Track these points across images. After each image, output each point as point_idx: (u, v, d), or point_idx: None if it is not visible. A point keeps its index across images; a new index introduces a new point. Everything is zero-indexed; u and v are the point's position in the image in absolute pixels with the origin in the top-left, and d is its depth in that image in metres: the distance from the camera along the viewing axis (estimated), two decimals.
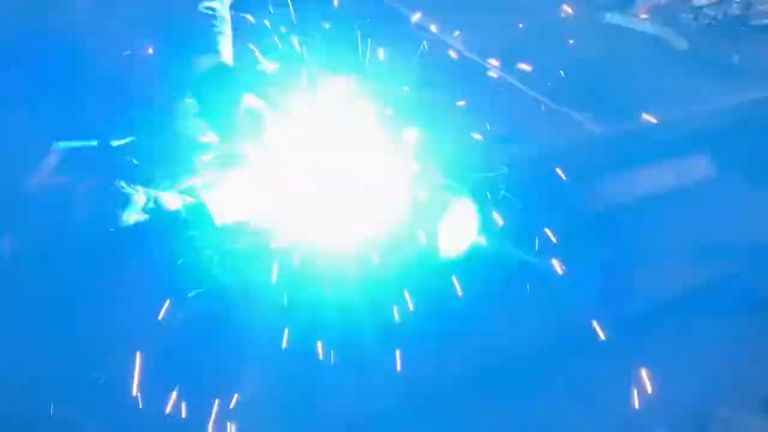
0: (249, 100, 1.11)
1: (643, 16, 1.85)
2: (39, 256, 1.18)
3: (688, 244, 2.17)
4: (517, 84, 1.50)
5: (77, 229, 1.14)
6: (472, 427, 1.46)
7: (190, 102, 1.16)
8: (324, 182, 1.14)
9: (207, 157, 1.12)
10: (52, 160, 1.11)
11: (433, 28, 1.68)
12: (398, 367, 1.30)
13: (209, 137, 1.13)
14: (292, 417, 1.31)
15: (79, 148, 1.14)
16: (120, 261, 1.21)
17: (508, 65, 1.56)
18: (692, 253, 2.12)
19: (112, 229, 1.10)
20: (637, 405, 1.86)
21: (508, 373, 1.62)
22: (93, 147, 1.15)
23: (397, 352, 1.30)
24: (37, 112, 1.12)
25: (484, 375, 1.64)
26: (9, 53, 1.11)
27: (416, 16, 1.64)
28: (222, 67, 1.16)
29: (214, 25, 1.17)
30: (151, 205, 1.11)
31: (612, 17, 1.83)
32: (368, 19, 1.26)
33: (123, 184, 1.09)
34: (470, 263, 1.29)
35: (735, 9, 1.76)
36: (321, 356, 1.23)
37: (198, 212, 1.13)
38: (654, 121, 1.40)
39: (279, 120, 1.12)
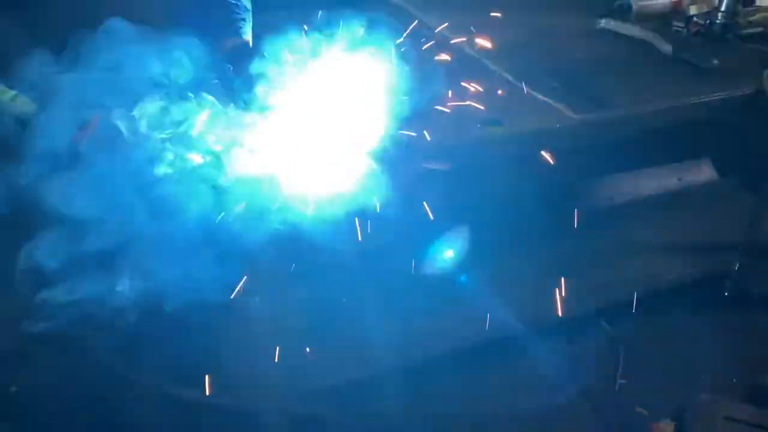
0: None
1: (638, 23, 2.02)
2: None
3: (664, 235, 2.30)
4: (504, 74, 1.69)
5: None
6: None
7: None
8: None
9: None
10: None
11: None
12: None
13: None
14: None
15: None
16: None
17: (500, 59, 1.76)
18: (672, 245, 2.26)
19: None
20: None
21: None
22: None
23: None
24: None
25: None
26: None
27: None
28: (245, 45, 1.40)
29: (238, 13, 1.41)
30: (176, 161, 1.33)
31: (607, 23, 2.00)
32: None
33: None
34: None
35: (721, 18, 1.91)
36: None
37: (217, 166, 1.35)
38: (627, 112, 1.58)
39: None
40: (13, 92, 1.18)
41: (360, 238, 1.45)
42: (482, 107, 1.51)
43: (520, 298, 1.95)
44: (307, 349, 1.40)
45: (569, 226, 2.32)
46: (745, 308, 2.37)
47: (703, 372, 2.13)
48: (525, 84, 1.64)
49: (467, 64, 1.74)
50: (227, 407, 1.34)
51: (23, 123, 1.23)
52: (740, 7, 2.05)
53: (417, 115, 1.38)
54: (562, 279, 1.74)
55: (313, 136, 1.32)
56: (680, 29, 2.00)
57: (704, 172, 2.61)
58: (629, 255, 2.26)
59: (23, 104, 1.18)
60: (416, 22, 1.85)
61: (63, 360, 1.40)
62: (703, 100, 1.64)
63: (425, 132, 1.38)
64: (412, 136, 1.35)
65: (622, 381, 2.11)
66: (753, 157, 1.96)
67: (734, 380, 2.10)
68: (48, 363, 1.39)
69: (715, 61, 1.74)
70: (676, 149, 2.62)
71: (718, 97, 1.64)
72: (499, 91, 1.50)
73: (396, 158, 1.30)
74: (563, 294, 1.76)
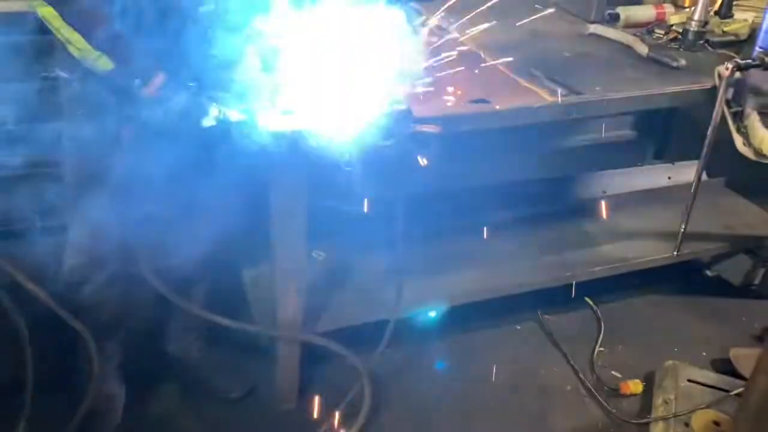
0: None
1: (624, 30, 2.29)
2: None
3: (649, 224, 2.55)
4: (497, 64, 1.98)
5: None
6: None
7: None
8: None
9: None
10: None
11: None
12: None
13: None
14: None
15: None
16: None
17: (495, 53, 2.06)
18: (656, 233, 2.50)
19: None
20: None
21: None
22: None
23: None
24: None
25: None
26: None
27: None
28: None
29: None
30: (221, 116, 1.64)
31: (595, 28, 2.28)
32: None
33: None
34: None
35: (696, 27, 2.17)
36: None
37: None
38: (598, 96, 1.85)
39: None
40: (97, 53, 1.50)
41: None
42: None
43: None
44: None
45: (563, 208, 2.60)
46: (718, 292, 2.61)
47: (675, 344, 2.37)
48: (511, 72, 1.93)
49: (467, 56, 2.05)
50: None
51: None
52: (718, 18, 2.32)
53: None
54: None
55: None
56: (660, 36, 2.27)
57: (693, 173, 2.85)
58: (614, 239, 2.52)
59: (105, 63, 1.51)
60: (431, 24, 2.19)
61: None
62: (666, 91, 1.90)
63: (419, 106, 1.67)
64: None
65: (601, 349, 2.37)
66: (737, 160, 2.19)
67: (703, 353, 2.34)
68: None
69: (683, 62, 2.00)
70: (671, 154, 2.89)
71: (678, 89, 1.90)
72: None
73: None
74: None
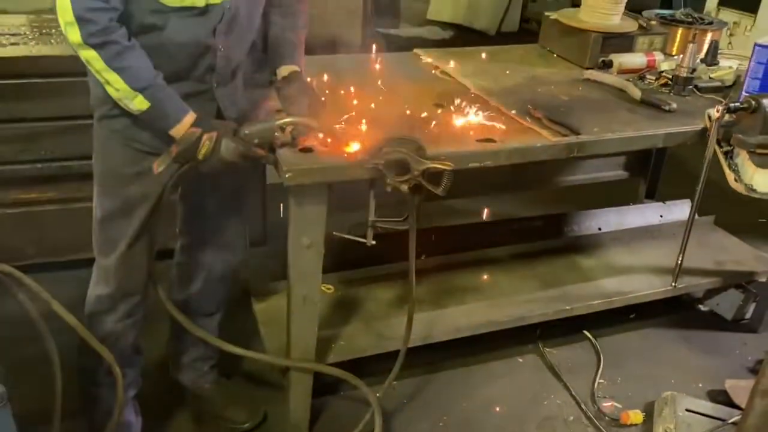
0: None
1: (617, 75, 2.43)
2: None
3: (643, 260, 2.65)
4: (500, 106, 2.10)
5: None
6: None
7: None
8: None
9: None
10: None
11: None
12: None
13: None
14: None
15: None
16: None
17: (498, 97, 2.18)
18: (650, 268, 2.60)
19: None
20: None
21: None
22: None
23: None
24: None
25: None
26: None
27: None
28: None
29: None
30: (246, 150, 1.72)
31: (590, 74, 2.43)
32: None
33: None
34: None
35: (684, 73, 2.31)
36: None
37: None
38: (596, 137, 1.97)
39: None
40: (134, 93, 1.57)
41: None
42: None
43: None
44: None
45: (561, 244, 2.70)
46: (711, 326, 2.70)
47: (672, 376, 2.45)
48: (515, 114, 2.05)
49: (472, 99, 2.17)
50: None
51: None
52: (704, 66, 2.47)
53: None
54: None
55: None
56: (652, 81, 2.41)
57: (684, 212, 2.99)
58: (610, 274, 2.62)
59: (141, 103, 1.56)
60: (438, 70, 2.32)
61: None
62: (660, 132, 2.03)
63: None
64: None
65: (601, 380, 2.44)
66: (726, 199, 2.31)
67: (699, 384, 2.41)
68: None
69: (674, 105, 2.13)
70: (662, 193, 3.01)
71: (672, 130, 2.03)
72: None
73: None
74: None
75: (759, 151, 1.86)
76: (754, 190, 1.87)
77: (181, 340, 2.10)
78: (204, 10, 1.55)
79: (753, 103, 1.88)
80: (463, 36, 6.54)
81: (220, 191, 1.90)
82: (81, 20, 1.42)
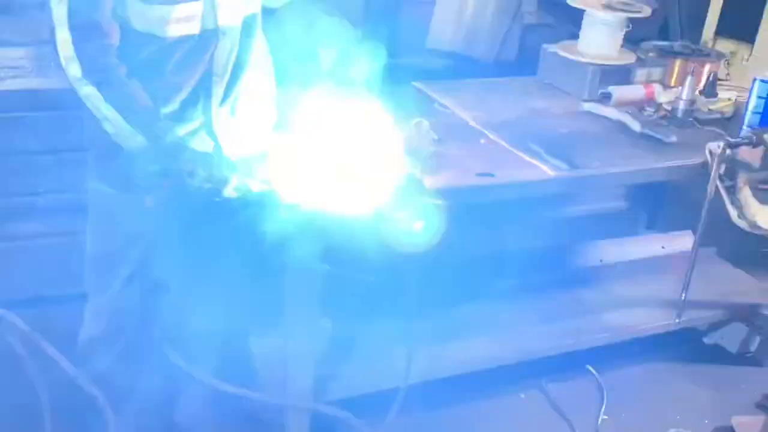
0: None
1: (616, 108, 2.42)
2: None
3: (646, 292, 2.62)
4: (500, 141, 2.09)
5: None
6: None
7: None
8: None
9: None
10: None
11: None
12: None
13: None
14: None
15: None
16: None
17: (498, 130, 2.17)
18: (653, 301, 2.57)
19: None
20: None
21: None
22: None
23: None
24: None
25: None
26: None
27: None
28: None
29: None
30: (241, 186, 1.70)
31: (589, 106, 2.42)
32: None
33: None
34: None
35: (684, 105, 2.31)
36: None
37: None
38: (597, 171, 1.96)
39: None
40: (132, 131, 1.56)
41: None
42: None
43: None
44: None
45: (562, 277, 2.67)
46: (716, 360, 2.66)
47: (677, 412, 2.40)
48: (514, 148, 2.04)
49: (471, 132, 2.17)
50: None
51: None
52: (703, 98, 2.47)
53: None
54: None
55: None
56: (651, 113, 2.40)
57: (686, 243, 2.96)
58: (613, 307, 2.58)
59: (139, 141, 1.54)
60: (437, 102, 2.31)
61: None
62: (661, 166, 2.01)
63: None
64: None
65: (605, 417, 2.39)
66: (727, 230, 2.29)
67: (705, 421, 2.36)
68: None
69: (674, 138, 2.12)
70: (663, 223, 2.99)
71: (673, 164, 2.02)
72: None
73: None
74: None
75: (762, 186, 1.84)
76: (758, 227, 1.84)
77: (176, 378, 2.05)
78: (200, 36, 1.55)
79: (755, 138, 1.86)
80: (461, 64, 6.56)
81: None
82: (82, 55, 1.41)
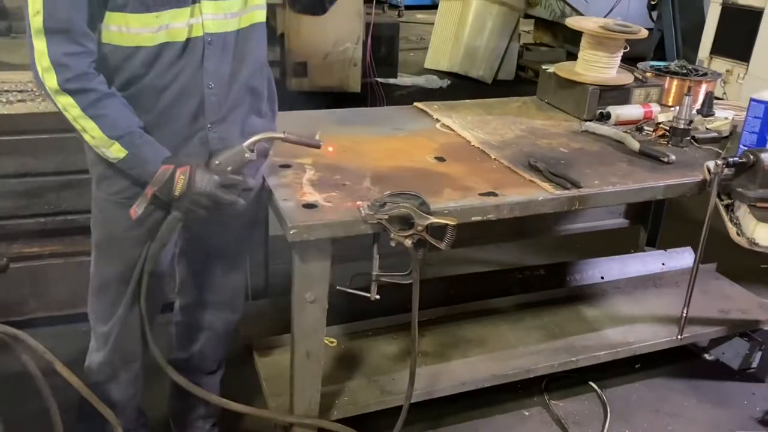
0: None
1: (615, 127, 2.46)
2: None
3: (646, 309, 2.64)
4: (501, 160, 2.13)
5: None
6: None
7: None
8: None
9: None
10: None
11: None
12: None
13: None
14: None
15: None
16: None
17: (498, 150, 2.21)
18: (653, 317, 2.59)
19: None
20: None
21: None
22: None
23: None
24: None
25: None
26: None
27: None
28: None
29: None
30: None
31: (588, 126, 2.46)
32: None
33: None
34: None
35: (681, 124, 2.35)
36: None
37: None
38: (598, 189, 1.99)
39: None
40: (111, 141, 1.48)
41: None
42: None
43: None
44: None
45: (563, 294, 2.70)
46: (718, 375, 2.67)
47: (680, 428, 2.41)
48: (516, 167, 2.07)
49: (473, 152, 2.20)
50: None
51: None
52: (701, 117, 2.51)
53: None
54: None
55: None
56: (650, 132, 2.44)
57: (686, 259, 2.99)
58: (614, 324, 2.60)
59: (118, 151, 1.50)
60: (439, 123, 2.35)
61: None
62: (660, 184, 2.05)
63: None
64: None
65: None
66: (727, 246, 2.32)
67: None
68: None
69: (673, 157, 2.15)
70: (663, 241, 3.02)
71: (672, 182, 2.05)
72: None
73: None
74: None
75: (760, 204, 1.87)
76: (757, 244, 1.87)
77: (182, 399, 2.07)
78: (185, 45, 1.51)
79: (752, 157, 1.90)
80: (460, 84, 6.66)
81: (219, 250, 1.89)
82: (58, 66, 1.38)
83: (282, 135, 1.69)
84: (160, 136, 1.56)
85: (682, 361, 2.75)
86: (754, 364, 2.69)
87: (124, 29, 1.46)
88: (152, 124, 1.55)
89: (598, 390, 2.59)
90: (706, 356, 2.79)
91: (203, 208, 1.56)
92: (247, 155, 1.61)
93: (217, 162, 1.58)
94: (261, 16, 1.65)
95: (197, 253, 1.90)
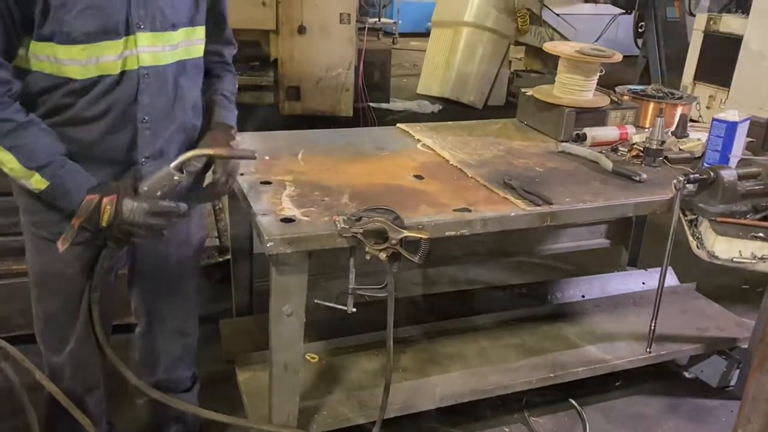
0: None
1: (591, 148, 2.53)
2: None
3: (626, 327, 2.68)
4: (477, 178, 2.19)
5: None
6: None
7: None
8: None
9: None
10: None
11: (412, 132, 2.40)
12: None
13: None
14: None
15: None
16: None
17: (474, 168, 2.28)
18: (632, 335, 2.63)
19: None
20: None
21: None
22: None
23: None
24: None
25: None
26: None
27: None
28: None
29: None
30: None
31: (564, 147, 2.53)
32: None
33: None
34: None
35: (654, 145, 2.42)
36: None
37: None
38: (568, 206, 2.04)
39: None
40: (30, 172, 1.42)
41: None
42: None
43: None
44: None
45: (544, 311, 2.74)
46: (697, 393, 2.70)
47: None
48: (491, 185, 2.13)
49: (450, 171, 2.26)
50: None
51: None
52: (674, 138, 2.58)
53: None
54: None
55: None
56: (624, 153, 2.51)
57: (666, 279, 3.03)
58: (594, 341, 2.64)
59: (39, 182, 1.44)
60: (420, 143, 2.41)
61: None
62: (630, 201, 2.10)
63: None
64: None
65: None
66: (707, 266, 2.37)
67: None
68: None
69: (645, 176, 2.21)
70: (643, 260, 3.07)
71: (641, 200, 2.11)
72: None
73: None
74: None
75: (720, 219, 1.93)
76: (716, 257, 1.93)
77: (161, 416, 2.09)
78: (118, 79, 1.45)
79: (712, 174, 1.96)
80: (451, 109, 6.77)
81: (160, 277, 1.86)
82: None
83: (211, 151, 1.60)
84: (91, 168, 1.48)
85: (661, 379, 2.78)
86: (733, 382, 2.72)
87: (53, 59, 1.39)
88: (82, 156, 1.47)
89: (578, 407, 2.61)
90: (686, 374, 2.82)
91: (134, 236, 1.50)
92: (176, 178, 1.52)
93: (145, 188, 1.49)
94: (200, 51, 1.61)
95: (142, 281, 1.87)
